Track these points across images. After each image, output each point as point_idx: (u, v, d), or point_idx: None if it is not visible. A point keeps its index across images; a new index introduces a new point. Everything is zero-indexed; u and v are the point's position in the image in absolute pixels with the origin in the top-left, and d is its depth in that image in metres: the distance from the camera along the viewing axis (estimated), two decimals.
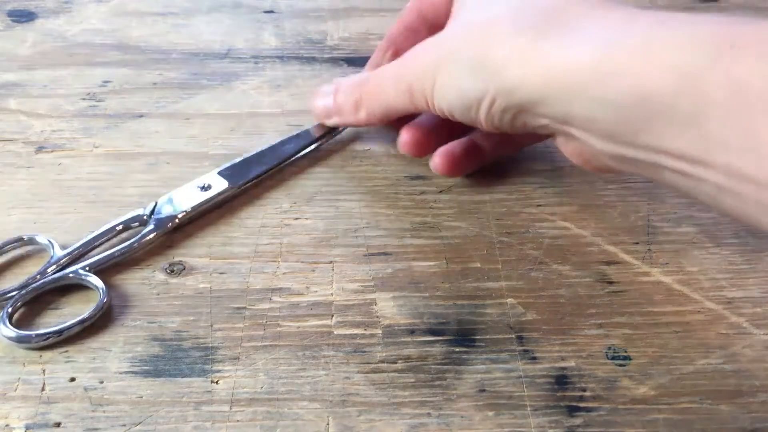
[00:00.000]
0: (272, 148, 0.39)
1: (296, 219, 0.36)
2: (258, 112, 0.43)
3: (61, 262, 0.32)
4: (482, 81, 0.29)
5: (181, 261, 0.34)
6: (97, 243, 0.34)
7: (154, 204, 0.35)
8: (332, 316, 0.31)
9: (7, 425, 0.27)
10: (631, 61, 0.25)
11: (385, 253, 0.34)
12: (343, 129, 0.41)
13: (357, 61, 0.47)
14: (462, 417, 0.28)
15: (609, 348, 0.30)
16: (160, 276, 0.33)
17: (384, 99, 0.35)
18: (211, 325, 0.31)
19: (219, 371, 0.29)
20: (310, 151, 0.39)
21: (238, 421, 0.27)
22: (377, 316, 0.31)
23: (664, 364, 0.29)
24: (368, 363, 0.30)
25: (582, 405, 0.28)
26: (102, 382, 0.29)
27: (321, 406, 0.28)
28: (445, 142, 0.37)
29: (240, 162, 0.38)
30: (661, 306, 0.32)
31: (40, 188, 0.37)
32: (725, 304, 0.32)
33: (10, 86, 0.44)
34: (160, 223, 0.34)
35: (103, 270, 0.33)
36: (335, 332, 0.31)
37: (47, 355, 0.30)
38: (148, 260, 0.34)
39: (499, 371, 0.29)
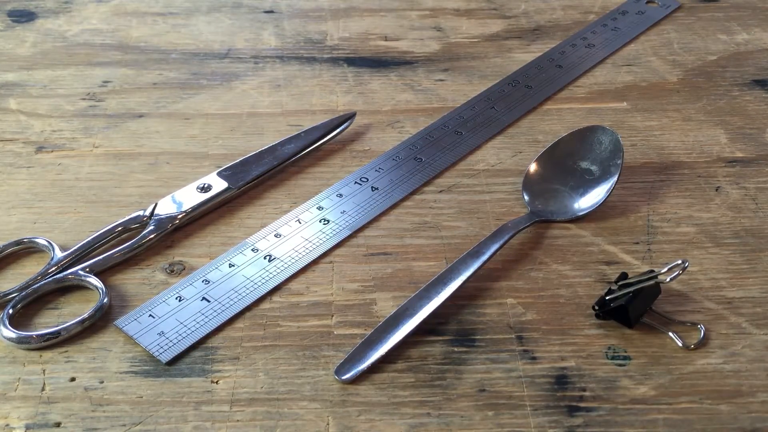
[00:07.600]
0: (272, 148, 0.39)
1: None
2: (258, 112, 0.43)
3: (62, 263, 0.32)
4: None
5: (181, 261, 0.34)
6: (97, 244, 0.34)
7: (154, 205, 0.35)
8: (332, 316, 0.31)
9: (7, 425, 0.27)
10: None
11: (385, 253, 0.34)
12: (343, 129, 0.40)
13: (357, 62, 0.47)
14: (462, 417, 0.28)
15: (609, 348, 0.30)
16: (160, 276, 0.33)
17: None
18: None
19: (219, 371, 0.29)
20: (310, 151, 0.39)
21: (238, 421, 0.27)
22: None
23: (664, 364, 0.29)
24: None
25: (582, 405, 0.28)
26: (102, 382, 0.29)
27: (321, 406, 0.28)
28: None
29: (240, 162, 0.38)
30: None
31: (40, 188, 0.37)
32: (725, 304, 0.32)
33: (10, 86, 0.44)
34: (160, 223, 0.34)
35: (103, 271, 0.33)
36: (335, 332, 0.31)
37: (47, 355, 0.30)
38: (148, 260, 0.34)
39: (499, 371, 0.29)
